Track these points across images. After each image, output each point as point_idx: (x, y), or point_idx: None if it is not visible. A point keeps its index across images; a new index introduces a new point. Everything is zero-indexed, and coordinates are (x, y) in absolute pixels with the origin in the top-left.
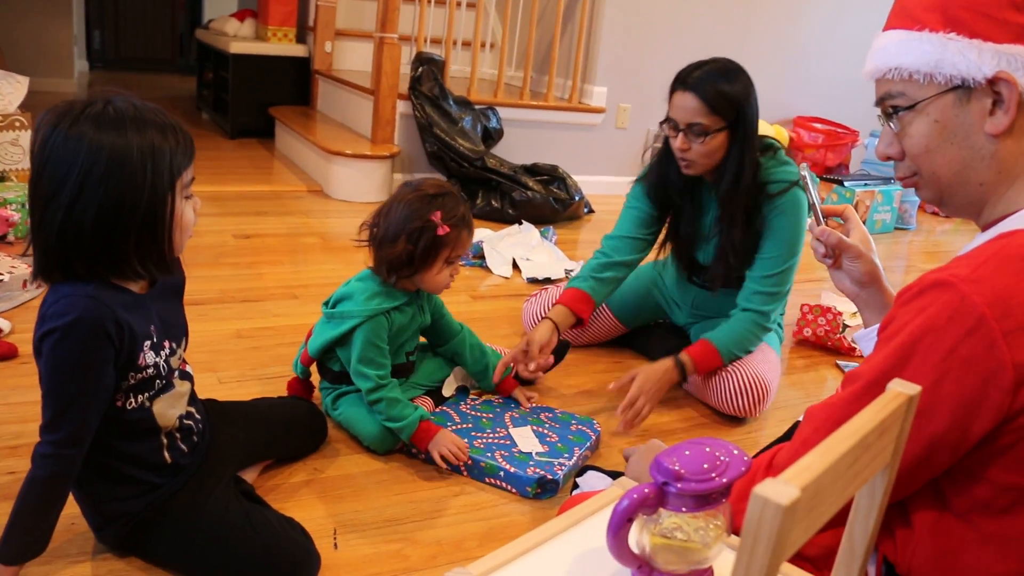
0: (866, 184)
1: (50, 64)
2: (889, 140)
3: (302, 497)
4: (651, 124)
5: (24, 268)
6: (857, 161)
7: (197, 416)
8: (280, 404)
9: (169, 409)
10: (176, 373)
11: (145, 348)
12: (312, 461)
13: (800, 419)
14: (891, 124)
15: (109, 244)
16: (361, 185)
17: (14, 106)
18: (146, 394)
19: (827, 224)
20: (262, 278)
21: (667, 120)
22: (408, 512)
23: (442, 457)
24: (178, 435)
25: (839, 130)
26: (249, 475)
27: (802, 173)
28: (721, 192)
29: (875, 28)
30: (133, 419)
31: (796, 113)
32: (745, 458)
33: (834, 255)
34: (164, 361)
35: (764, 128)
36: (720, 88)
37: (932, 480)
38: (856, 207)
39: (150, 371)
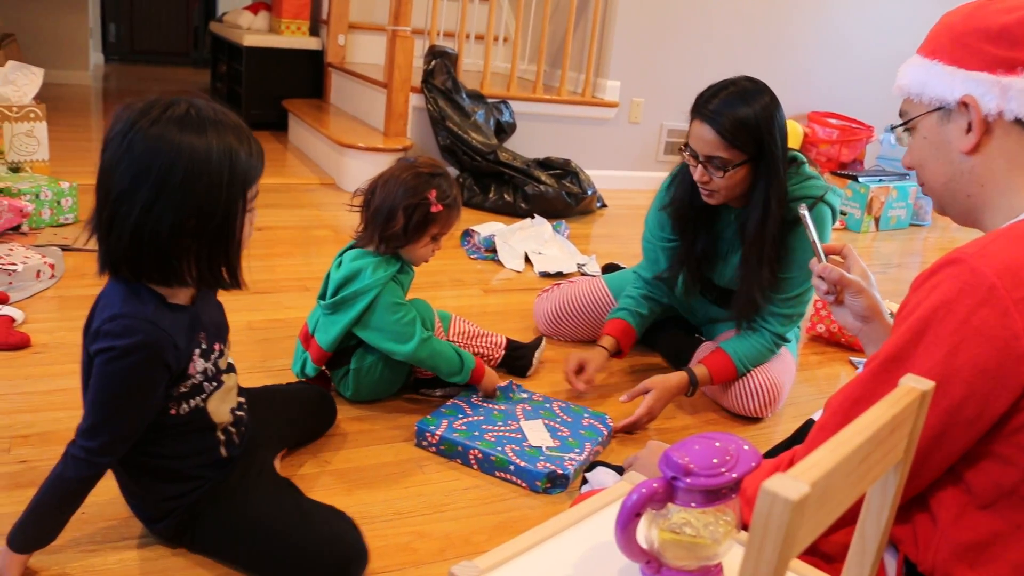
0: (881, 180)
1: (65, 56)
2: (906, 152)
3: (311, 489)
4: (665, 119)
5: (38, 258)
6: (872, 157)
7: (244, 406)
8: (292, 389)
9: (222, 405)
10: (224, 370)
11: (195, 356)
12: (322, 452)
13: (813, 417)
14: (903, 139)
15: (180, 251)
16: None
17: (29, 97)
18: (199, 397)
19: (827, 261)
20: (274, 270)
21: (687, 147)
22: (417, 505)
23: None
24: (232, 429)
25: (854, 125)
26: (275, 464)
27: (802, 213)
28: (749, 232)
29: (890, 24)
30: (189, 421)
31: (810, 108)
32: (755, 453)
33: (836, 291)
34: (213, 364)
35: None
36: (739, 118)
37: (951, 470)
38: (871, 203)
39: (199, 377)
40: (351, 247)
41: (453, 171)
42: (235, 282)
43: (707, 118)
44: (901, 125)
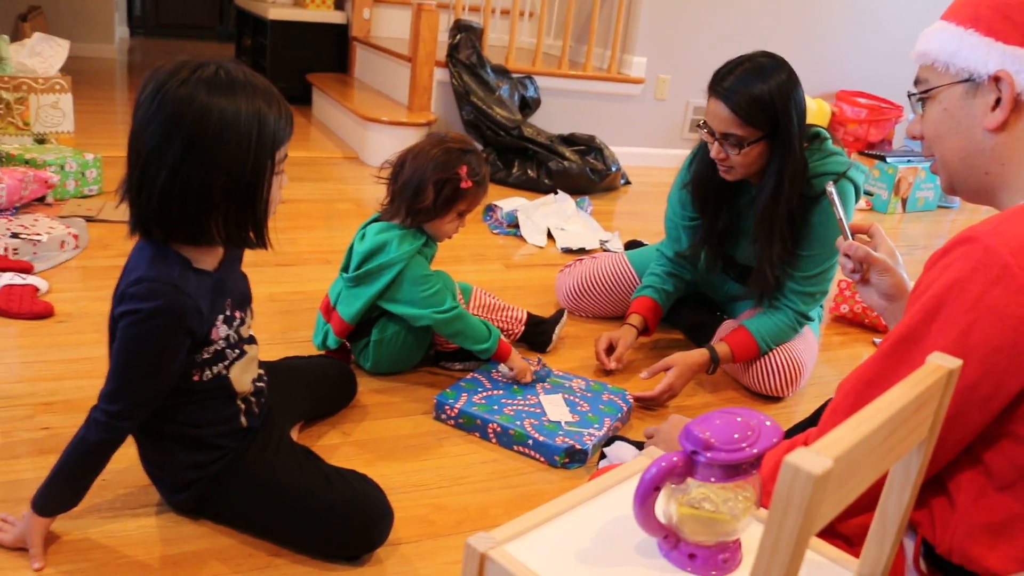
0: (909, 160)
1: (91, 29)
2: (915, 121)
3: (330, 459)
4: (691, 96)
5: (63, 229)
6: (900, 137)
7: (264, 377)
8: (314, 363)
9: (244, 374)
10: (246, 339)
11: (218, 323)
12: (342, 424)
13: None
14: (916, 106)
15: (209, 210)
16: (396, 152)
17: (55, 69)
18: (221, 364)
19: (854, 240)
20: (297, 243)
21: (704, 124)
22: (435, 478)
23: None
24: (253, 399)
25: (883, 105)
26: (292, 435)
27: (828, 189)
28: (758, 208)
29: (921, 1)
30: (211, 388)
31: (839, 87)
32: (777, 429)
33: (862, 270)
34: (235, 331)
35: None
36: (754, 95)
37: (969, 451)
38: (898, 184)
39: (222, 343)
40: (375, 220)
41: (477, 146)
42: (261, 242)
43: (722, 95)
44: (919, 93)
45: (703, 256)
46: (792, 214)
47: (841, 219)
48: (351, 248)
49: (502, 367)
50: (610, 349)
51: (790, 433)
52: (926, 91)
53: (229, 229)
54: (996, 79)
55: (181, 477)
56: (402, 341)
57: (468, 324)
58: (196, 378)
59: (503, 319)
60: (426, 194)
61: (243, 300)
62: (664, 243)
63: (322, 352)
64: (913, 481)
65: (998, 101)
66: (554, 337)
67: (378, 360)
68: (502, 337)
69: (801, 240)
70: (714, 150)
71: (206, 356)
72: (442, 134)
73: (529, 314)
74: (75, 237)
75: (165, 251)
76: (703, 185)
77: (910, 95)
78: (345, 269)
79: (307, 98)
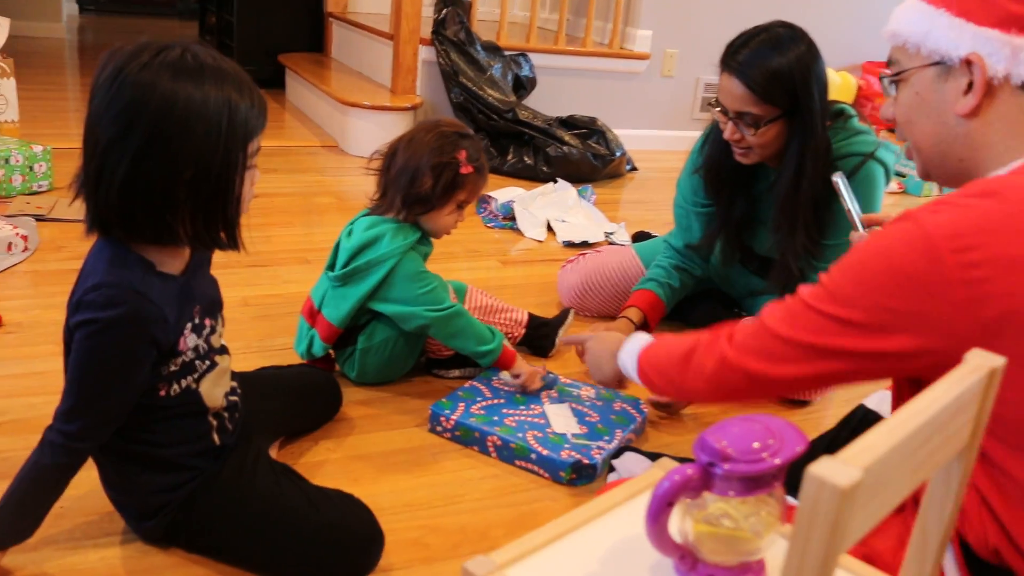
0: None
1: (35, 6)
2: (888, 103)
3: (313, 479)
4: (701, 72)
5: (9, 229)
6: None
7: (238, 390)
8: (293, 372)
9: (215, 388)
10: (217, 349)
11: (186, 332)
12: (325, 439)
13: (865, 402)
14: (889, 89)
15: (174, 207)
16: (380, 139)
17: None
18: (190, 377)
19: (866, 232)
20: (271, 241)
21: (716, 102)
22: (429, 497)
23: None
24: (226, 414)
25: None
26: (271, 453)
27: (835, 180)
28: (778, 194)
29: None
30: (179, 404)
31: (865, 58)
32: (801, 436)
33: None
34: (204, 341)
35: (829, 76)
36: (770, 69)
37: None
38: None
39: (190, 354)
40: (364, 215)
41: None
42: (233, 242)
43: (736, 70)
44: (890, 76)
45: (719, 248)
46: (816, 200)
47: (850, 210)
48: (337, 245)
49: (504, 374)
50: None
51: (818, 443)
52: (897, 73)
53: (197, 228)
54: (968, 62)
55: (148, 502)
56: (391, 348)
57: (469, 323)
58: (163, 393)
59: (501, 321)
60: (423, 181)
61: (213, 306)
62: (673, 233)
63: (305, 361)
64: (955, 493)
65: (970, 85)
66: (558, 340)
67: (364, 369)
68: (505, 341)
69: (826, 228)
70: (728, 131)
71: (173, 369)
72: (435, 119)
73: (531, 315)
74: (24, 238)
75: (125, 253)
76: (717, 170)
77: (881, 77)
78: (331, 268)
79: (279, 81)
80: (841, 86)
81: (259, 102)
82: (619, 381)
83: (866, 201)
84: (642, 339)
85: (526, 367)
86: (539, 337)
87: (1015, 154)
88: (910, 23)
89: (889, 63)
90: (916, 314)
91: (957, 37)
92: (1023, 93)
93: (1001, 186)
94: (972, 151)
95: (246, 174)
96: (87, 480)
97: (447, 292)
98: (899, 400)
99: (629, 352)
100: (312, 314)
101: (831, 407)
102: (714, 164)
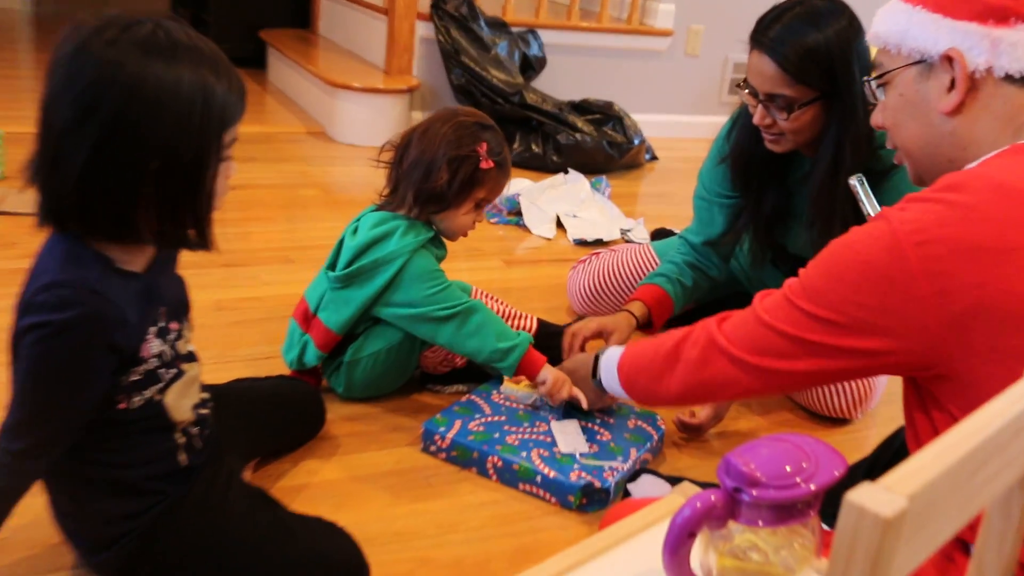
0: None
1: None
2: (878, 110)
3: (292, 505)
4: (730, 50)
5: None
6: None
7: (209, 403)
8: (271, 385)
9: (182, 399)
10: (184, 356)
11: (150, 336)
12: (307, 460)
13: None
14: (878, 94)
15: (138, 201)
16: (372, 126)
17: None
18: (154, 388)
19: None
20: (250, 238)
21: (745, 83)
22: (421, 525)
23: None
24: (194, 430)
25: None
26: (245, 475)
27: (851, 183)
28: (814, 186)
29: None
30: (142, 418)
31: None
32: (839, 458)
33: None
34: (170, 347)
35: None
36: (806, 46)
37: None
38: None
39: (154, 362)
40: (372, 211)
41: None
42: (204, 241)
43: (767, 47)
44: (874, 79)
45: (747, 247)
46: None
47: (871, 213)
48: (340, 243)
49: (507, 387)
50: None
51: (858, 467)
52: (880, 76)
53: (163, 225)
54: (948, 59)
55: (104, 532)
56: (382, 361)
57: (488, 318)
58: (123, 406)
59: None
60: (439, 175)
61: (180, 308)
62: (691, 228)
63: (292, 372)
64: (1016, 526)
65: (953, 82)
66: None
67: (351, 383)
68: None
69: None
70: (758, 115)
71: (135, 378)
72: (452, 108)
73: (540, 322)
74: None
75: (81, 249)
76: (745, 159)
77: (866, 82)
78: (331, 268)
79: (260, 60)
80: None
81: (238, 86)
82: (600, 399)
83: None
84: (614, 350)
85: (554, 372)
86: (549, 347)
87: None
88: (890, 23)
89: (875, 67)
90: (885, 311)
91: (935, 33)
92: (1007, 85)
93: (968, 178)
94: (960, 150)
95: (221, 166)
96: (32, 507)
97: (459, 292)
98: (908, 407)
99: (608, 359)
100: (307, 318)
101: (873, 426)
102: (743, 153)
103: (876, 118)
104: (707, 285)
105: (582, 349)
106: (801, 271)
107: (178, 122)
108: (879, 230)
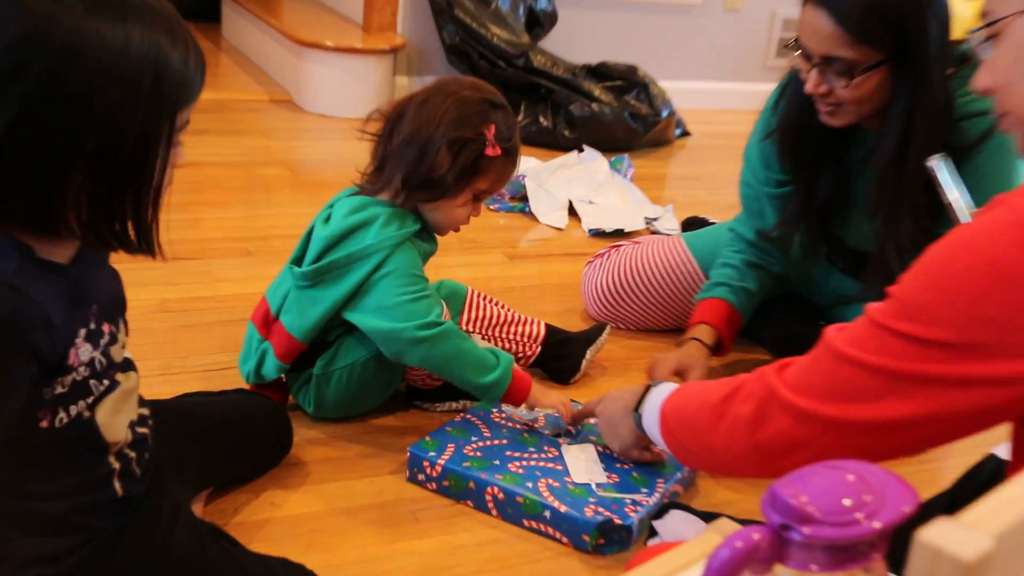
0: None
1: None
2: (983, 70)
3: (251, 544)
4: (777, 4)
5: None
6: None
7: (149, 421)
8: (227, 401)
9: (116, 415)
10: (119, 365)
11: (79, 341)
12: (269, 490)
13: (995, 451)
14: (983, 51)
15: (66, 187)
16: (348, 92)
17: None
18: (83, 402)
19: None
20: (201, 226)
21: (796, 43)
22: (407, 568)
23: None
24: (132, 453)
25: None
26: (195, 508)
27: (929, 164)
28: (878, 168)
29: None
30: (68, 439)
31: None
32: (908, 491)
33: None
34: (103, 353)
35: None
36: (871, 0)
37: None
38: None
39: (84, 371)
40: (349, 195)
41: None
42: (146, 244)
43: (823, 1)
44: (982, 28)
45: (798, 238)
46: (929, 175)
47: (951, 204)
48: (309, 233)
49: (509, 408)
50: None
51: (933, 504)
52: (991, 25)
53: (96, 219)
54: None
55: None
56: (358, 375)
57: (464, 346)
58: (45, 424)
59: (510, 336)
60: (436, 159)
61: (114, 307)
62: (740, 219)
63: (249, 386)
64: None
65: None
66: (584, 361)
67: (322, 400)
68: (516, 366)
69: (942, 212)
70: (812, 81)
71: (60, 390)
72: (456, 79)
73: (548, 328)
74: None
75: None
76: (796, 134)
77: (971, 35)
78: (297, 262)
79: (213, 13)
80: (970, 20)
81: (196, 55)
82: (640, 447)
83: (996, 181)
84: (669, 386)
85: (551, 398)
86: (559, 357)
87: None
88: None
89: (983, 15)
90: (1017, 324)
91: None
92: None
93: None
94: None
95: (170, 152)
96: None
97: (440, 306)
98: (1020, 448)
99: (653, 402)
100: (267, 322)
101: (950, 456)
102: (793, 126)
103: (981, 79)
104: (771, 283)
105: None
106: (890, 289)
107: (123, 94)
108: (1003, 221)
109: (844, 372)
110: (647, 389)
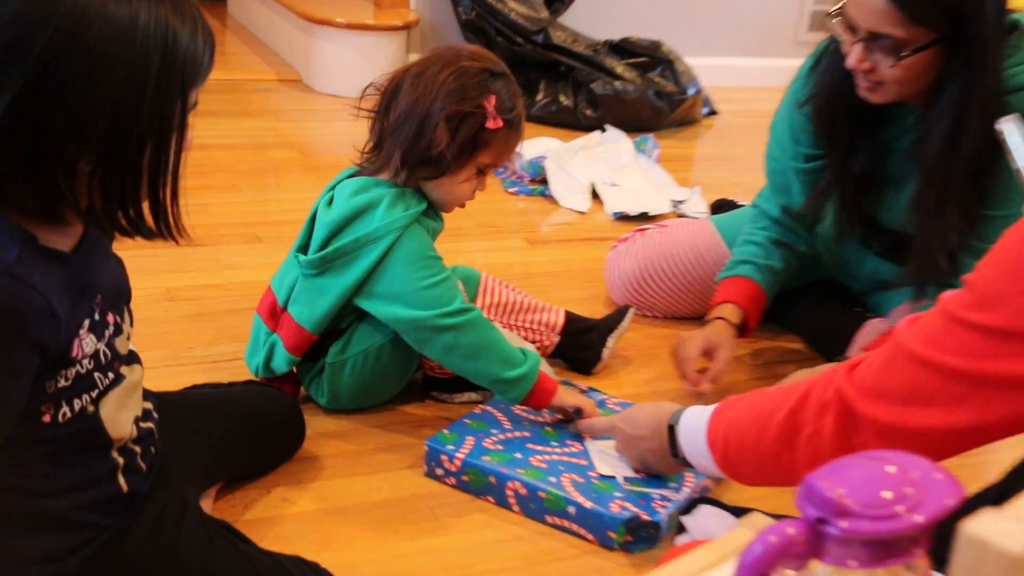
0: None
1: None
2: None
3: (263, 541)
4: None
5: None
6: None
7: (154, 415)
8: (237, 393)
9: (121, 411)
10: (123, 357)
11: (83, 332)
12: (279, 487)
13: None
14: None
15: (74, 170)
16: (359, 71)
17: None
18: (87, 396)
19: None
20: (208, 211)
21: (839, 14)
22: (425, 566)
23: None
24: (137, 448)
25: None
26: (204, 504)
27: (999, 128)
28: (927, 157)
29: None
30: (71, 434)
31: None
32: (952, 483)
33: None
34: (107, 345)
35: None
36: None
37: None
38: None
39: (88, 364)
40: (350, 175)
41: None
42: (166, 227)
43: None
44: None
45: (830, 218)
46: (978, 159)
47: (1020, 168)
48: (313, 218)
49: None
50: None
51: (980, 497)
52: None
53: (108, 204)
54: None
55: None
56: (374, 363)
57: (493, 335)
58: (48, 418)
59: (528, 325)
60: (434, 135)
61: (119, 297)
62: (764, 195)
63: (259, 379)
64: None
65: None
66: (606, 350)
67: (337, 391)
68: (544, 364)
69: (991, 194)
70: (854, 56)
71: (63, 384)
72: (454, 47)
73: (568, 316)
74: None
75: None
76: (831, 105)
77: None
78: (302, 250)
79: None
80: None
81: (205, 32)
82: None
83: None
84: (700, 413)
85: (573, 400)
86: (580, 347)
87: None
88: None
89: None
90: None
91: None
92: None
93: None
94: None
95: (183, 135)
96: None
97: (458, 291)
98: None
99: (689, 430)
100: (274, 313)
101: (999, 448)
102: (829, 97)
103: None
104: (797, 263)
105: None
106: (967, 276)
107: (130, 74)
108: None
109: (922, 376)
110: (671, 430)
